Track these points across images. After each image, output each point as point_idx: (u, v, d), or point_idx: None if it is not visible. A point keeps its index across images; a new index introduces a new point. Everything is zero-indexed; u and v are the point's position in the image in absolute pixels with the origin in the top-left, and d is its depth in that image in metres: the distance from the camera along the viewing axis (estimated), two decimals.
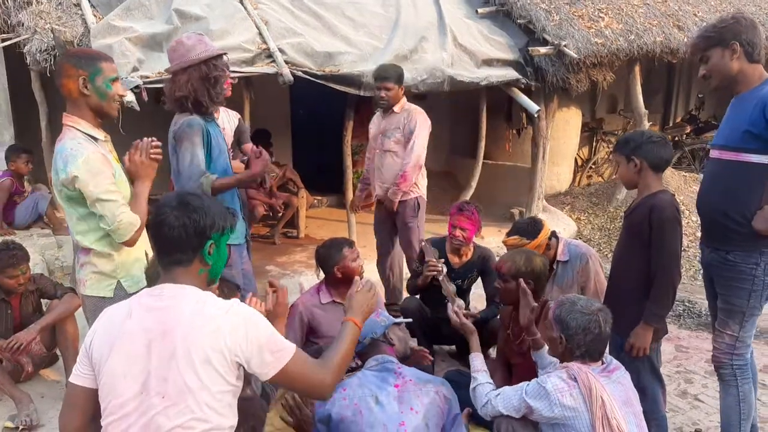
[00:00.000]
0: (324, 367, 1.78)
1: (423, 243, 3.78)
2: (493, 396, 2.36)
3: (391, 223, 4.42)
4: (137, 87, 4.16)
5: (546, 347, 2.60)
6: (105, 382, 1.66)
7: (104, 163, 2.35)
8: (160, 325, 1.63)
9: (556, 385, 2.16)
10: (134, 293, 2.23)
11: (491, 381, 2.50)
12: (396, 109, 4.25)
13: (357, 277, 2.11)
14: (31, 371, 3.50)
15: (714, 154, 2.65)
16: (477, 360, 2.64)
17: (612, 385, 2.19)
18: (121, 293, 2.43)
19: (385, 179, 4.33)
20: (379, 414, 2.22)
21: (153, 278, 2.48)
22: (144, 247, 2.55)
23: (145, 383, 1.61)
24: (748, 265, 2.50)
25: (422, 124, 4.20)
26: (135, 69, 4.32)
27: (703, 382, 3.52)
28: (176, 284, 1.70)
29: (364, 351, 2.63)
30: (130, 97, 4.05)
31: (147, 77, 4.28)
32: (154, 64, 4.41)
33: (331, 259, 3.24)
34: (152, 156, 2.50)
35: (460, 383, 2.69)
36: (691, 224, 6.32)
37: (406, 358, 2.82)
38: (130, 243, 2.43)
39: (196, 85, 2.83)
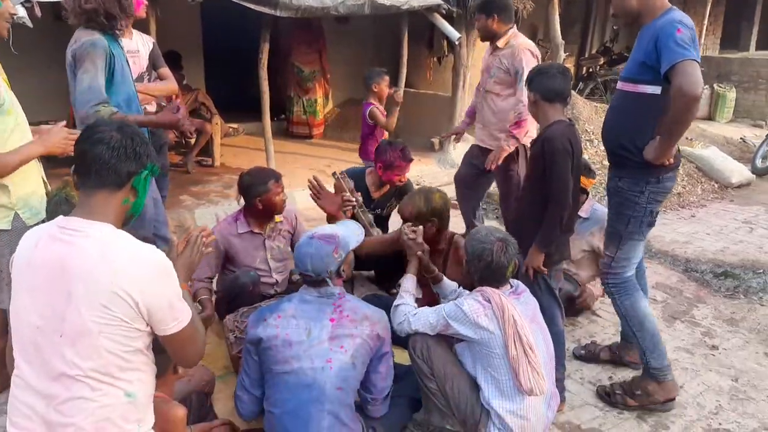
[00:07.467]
0: (201, 335, 1.76)
1: (336, 175, 3.61)
2: (411, 314, 2.48)
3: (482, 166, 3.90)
4: (28, 1, 3.80)
5: (444, 279, 2.81)
6: (12, 310, 1.62)
7: None
8: (59, 261, 1.54)
9: (472, 307, 2.31)
10: (33, 225, 2.14)
11: (415, 305, 2.60)
12: (499, 44, 3.84)
13: (173, 238, 1.95)
14: None
15: (619, 85, 2.75)
16: (410, 282, 2.72)
17: (521, 306, 2.36)
18: (19, 225, 2.30)
19: (486, 122, 3.96)
20: (307, 347, 2.19)
21: (51, 213, 2.35)
22: (40, 178, 2.40)
23: (44, 317, 1.55)
24: (633, 192, 2.65)
25: (529, 63, 3.68)
26: None
27: (601, 298, 3.79)
28: (85, 219, 1.57)
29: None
30: (21, 13, 3.69)
31: None
32: None
33: (254, 190, 3.14)
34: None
35: (378, 306, 2.75)
36: (599, 152, 6.63)
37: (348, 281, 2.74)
38: None
39: None
